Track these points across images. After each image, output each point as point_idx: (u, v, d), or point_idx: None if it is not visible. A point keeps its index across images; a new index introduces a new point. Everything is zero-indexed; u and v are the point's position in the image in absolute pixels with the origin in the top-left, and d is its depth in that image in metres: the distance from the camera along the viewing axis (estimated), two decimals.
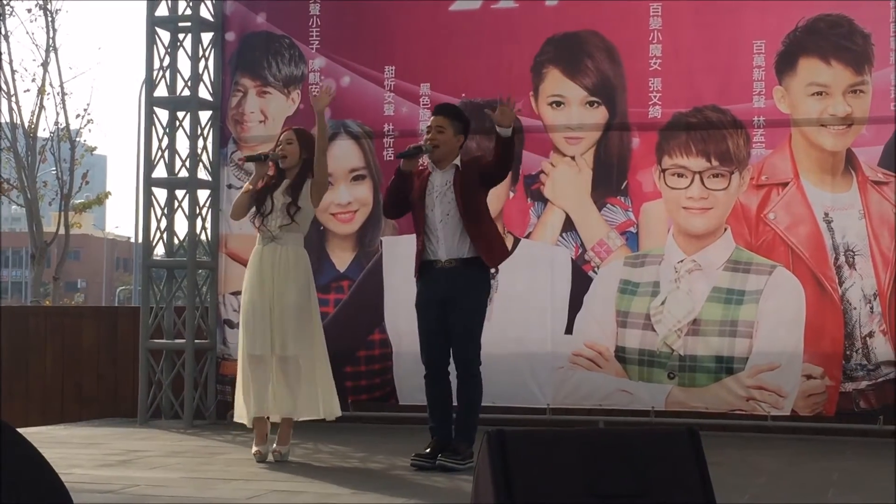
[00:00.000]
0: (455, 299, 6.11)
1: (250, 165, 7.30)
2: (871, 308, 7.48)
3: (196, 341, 8.59)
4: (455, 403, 6.23)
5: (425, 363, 6.25)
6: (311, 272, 6.67)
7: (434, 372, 6.23)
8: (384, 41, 8.44)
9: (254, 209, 6.60)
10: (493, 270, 7.63)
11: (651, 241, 7.90)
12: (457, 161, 6.24)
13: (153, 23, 8.77)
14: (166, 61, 8.80)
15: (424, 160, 6.37)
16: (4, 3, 18.75)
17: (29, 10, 22.96)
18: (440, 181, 6.21)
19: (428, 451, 6.13)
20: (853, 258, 7.52)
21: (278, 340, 6.44)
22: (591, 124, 8.03)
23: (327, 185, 6.82)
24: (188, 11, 8.77)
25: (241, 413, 6.64)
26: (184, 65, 8.80)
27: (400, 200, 6.33)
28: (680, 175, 7.85)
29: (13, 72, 19.29)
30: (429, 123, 6.32)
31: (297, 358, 6.47)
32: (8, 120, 19.61)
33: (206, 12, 8.81)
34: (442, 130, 6.21)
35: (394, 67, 8.39)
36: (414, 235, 6.34)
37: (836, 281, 7.54)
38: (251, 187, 6.60)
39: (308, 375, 6.53)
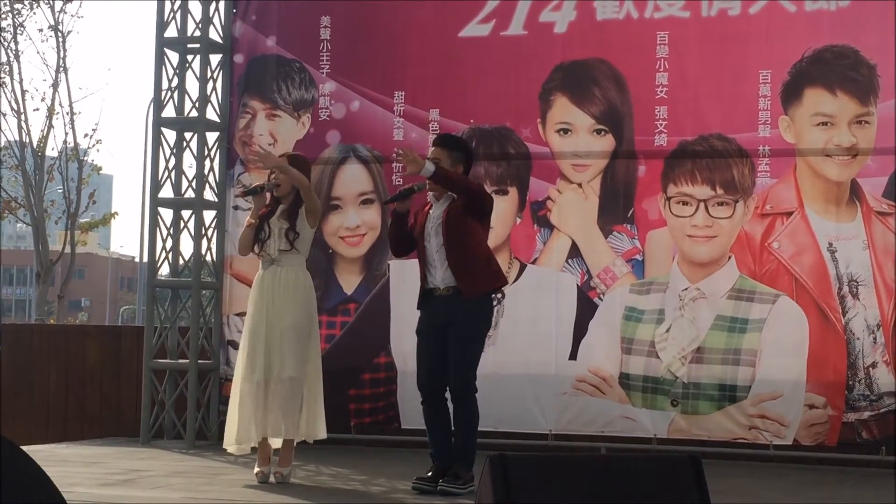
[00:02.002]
0: (453, 326, 6.13)
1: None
2: (875, 338, 7.48)
3: (200, 362, 8.60)
4: (453, 429, 6.24)
5: (421, 389, 6.26)
6: (314, 294, 6.68)
7: (430, 398, 6.23)
8: (394, 66, 8.48)
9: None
10: (498, 296, 7.65)
11: (656, 269, 7.92)
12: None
13: (162, 44, 8.82)
14: (174, 82, 8.84)
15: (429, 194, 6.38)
16: (16, 22, 18.84)
17: (41, 30, 23.04)
18: (437, 213, 6.24)
19: (430, 474, 6.14)
20: (857, 288, 7.53)
21: (277, 362, 6.46)
22: (598, 152, 8.06)
23: (318, 208, 6.84)
24: (197, 33, 8.81)
25: (229, 440, 6.62)
26: (192, 86, 8.85)
27: (401, 240, 6.38)
28: (685, 203, 7.86)
29: (23, 91, 19.35)
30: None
31: (297, 380, 6.48)
32: (17, 138, 19.69)
33: (215, 34, 8.85)
34: (438, 162, 6.23)
35: (403, 93, 8.43)
36: None
37: (840, 311, 7.54)
38: (252, 221, 6.62)
39: (304, 397, 6.53)
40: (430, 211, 6.29)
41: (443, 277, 6.17)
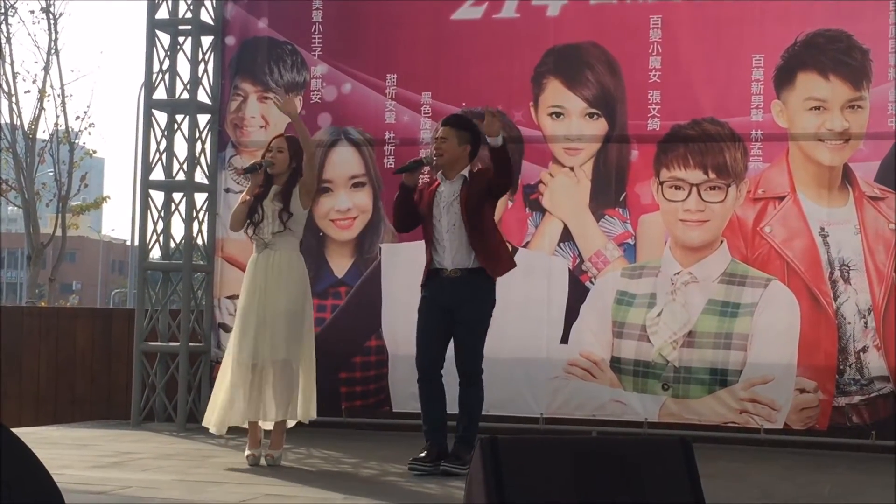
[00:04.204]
0: (460, 309, 6.17)
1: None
2: (866, 323, 7.49)
3: (190, 344, 8.59)
4: (453, 409, 6.25)
5: (419, 367, 6.28)
6: (307, 277, 6.68)
7: (428, 377, 6.26)
8: (386, 49, 8.46)
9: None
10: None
11: (648, 253, 7.91)
12: (465, 172, 6.28)
13: (153, 25, 8.78)
14: (166, 64, 8.81)
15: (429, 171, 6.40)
16: (7, 4, 18.78)
17: (32, 12, 23.00)
18: (448, 192, 6.26)
19: (424, 455, 6.16)
20: (848, 273, 7.53)
21: (270, 344, 6.45)
22: (591, 135, 8.05)
23: (315, 186, 6.85)
24: (188, 14, 8.78)
25: (208, 418, 6.63)
26: (183, 68, 8.81)
27: (406, 214, 6.39)
28: (677, 187, 7.86)
29: (14, 73, 19.28)
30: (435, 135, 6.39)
31: (290, 362, 6.48)
32: (8, 121, 19.63)
33: (206, 16, 8.82)
34: (445, 140, 6.27)
35: (395, 75, 8.41)
36: (413, 243, 6.42)
37: (831, 295, 7.55)
38: (248, 198, 6.61)
39: (296, 380, 6.53)
40: (440, 189, 6.29)
41: (452, 258, 6.20)
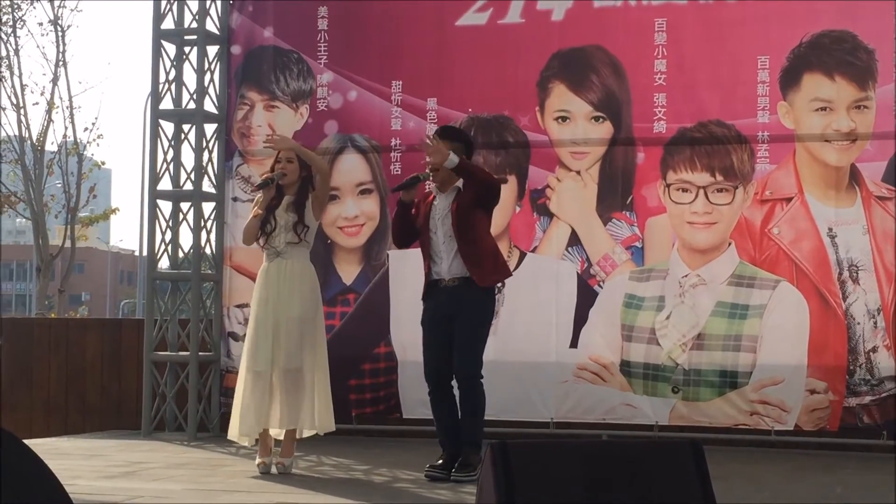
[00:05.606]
0: (458, 315, 6.17)
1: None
2: (875, 323, 7.48)
3: (200, 354, 8.60)
4: (460, 415, 6.26)
5: (429, 378, 6.29)
6: (318, 286, 6.69)
7: (438, 388, 6.28)
8: (391, 56, 8.47)
9: None
10: (499, 285, 7.67)
11: (656, 256, 7.91)
12: (459, 184, 6.28)
13: (159, 36, 8.80)
14: (172, 74, 8.82)
15: (429, 184, 6.40)
16: (16, 17, 18.85)
17: (40, 24, 23.08)
18: (443, 204, 6.28)
19: (440, 462, 6.18)
20: (857, 273, 7.52)
21: (284, 353, 6.45)
22: (597, 139, 8.05)
23: (328, 200, 6.89)
24: (194, 24, 8.79)
25: (234, 432, 6.63)
26: (189, 78, 8.83)
27: (405, 230, 6.42)
28: (684, 190, 7.86)
29: (23, 86, 19.36)
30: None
31: (303, 370, 6.48)
32: (17, 133, 19.69)
33: (212, 25, 8.83)
34: (440, 154, 6.25)
35: (401, 82, 8.42)
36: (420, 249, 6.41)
37: (840, 296, 7.54)
38: (260, 212, 6.60)
39: (310, 389, 6.54)
40: (435, 202, 6.32)
41: (448, 268, 6.21)
